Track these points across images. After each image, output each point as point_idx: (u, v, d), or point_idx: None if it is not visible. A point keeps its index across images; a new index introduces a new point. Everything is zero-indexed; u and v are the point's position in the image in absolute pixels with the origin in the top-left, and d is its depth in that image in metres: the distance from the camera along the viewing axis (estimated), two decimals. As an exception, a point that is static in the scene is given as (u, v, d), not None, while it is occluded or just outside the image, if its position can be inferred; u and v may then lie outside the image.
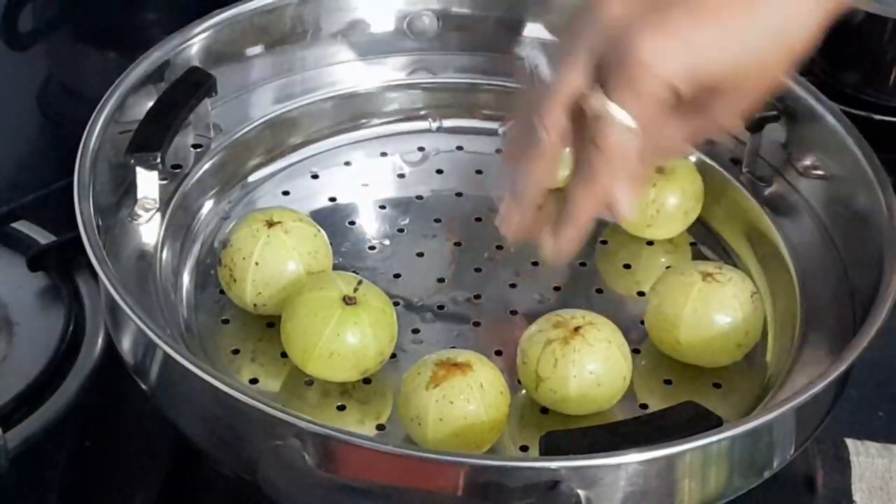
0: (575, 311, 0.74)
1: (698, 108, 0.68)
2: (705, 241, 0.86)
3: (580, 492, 0.63)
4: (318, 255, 0.78)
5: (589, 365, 0.71)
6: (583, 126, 0.66)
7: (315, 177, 0.88)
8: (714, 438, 0.65)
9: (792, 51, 0.67)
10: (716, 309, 0.75)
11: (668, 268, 0.81)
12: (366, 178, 0.89)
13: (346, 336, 0.72)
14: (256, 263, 0.76)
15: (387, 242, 0.85)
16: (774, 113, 0.85)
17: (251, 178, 0.88)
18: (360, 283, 0.74)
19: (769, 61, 0.67)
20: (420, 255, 0.84)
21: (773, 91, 0.70)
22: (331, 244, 0.84)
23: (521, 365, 0.73)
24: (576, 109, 0.66)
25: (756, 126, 0.85)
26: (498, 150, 0.91)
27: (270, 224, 0.77)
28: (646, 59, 0.64)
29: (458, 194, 0.88)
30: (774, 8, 0.66)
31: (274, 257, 0.76)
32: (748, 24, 0.66)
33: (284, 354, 0.75)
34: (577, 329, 0.72)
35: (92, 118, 0.80)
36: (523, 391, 0.76)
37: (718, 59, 0.65)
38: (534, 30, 0.93)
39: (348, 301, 0.73)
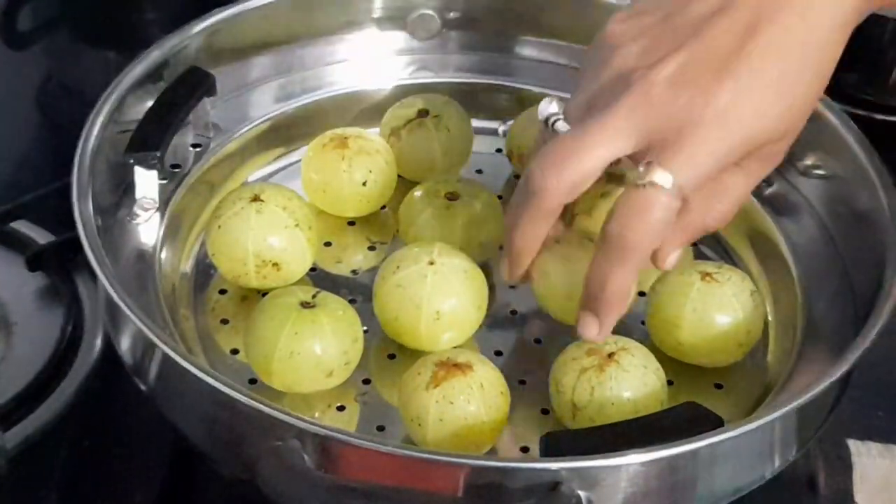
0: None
1: (750, 161, 0.70)
2: (705, 241, 0.86)
3: (581, 493, 0.63)
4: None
5: (626, 392, 0.70)
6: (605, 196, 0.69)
7: (315, 176, 0.88)
8: (715, 439, 0.65)
9: (825, 80, 0.70)
10: (716, 308, 0.75)
11: (668, 268, 0.81)
12: (366, 177, 0.89)
13: (304, 334, 0.72)
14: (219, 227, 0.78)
15: (387, 243, 0.84)
16: (775, 113, 0.85)
17: (251, 178, 0.88)
18: (318, 291, 0.74)
19: (808, 99, 0.69)
20: (420, 255, 0.84)
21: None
22: (331, 244, 0.84)
23: (554, 394, 0.73)
24: (592, 177, 0.68)
25: (757, 126, 0.85)
26: (498, 150, 0.91)
27: (253, 199, 0.78)
28: (705, 144, 0.66)
29: (459, 194, 0.88)
30: (803, 50, 0.68)
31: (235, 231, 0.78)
32: (785, 82, 0.68)
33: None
34: (610, 355, 0.71)
35: (91, 118, 0.80)
36: (522, 390, 0.76)
37: (766, 123, 0.68)
38: (533, 29, 0.93)
39: (305, 305, 0.73)
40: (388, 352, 0.77)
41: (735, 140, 0.67)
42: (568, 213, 0.76)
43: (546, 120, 0.71)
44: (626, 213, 0.67)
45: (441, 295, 0.74)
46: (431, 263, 0.74)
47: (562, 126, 0.70)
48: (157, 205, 0.81)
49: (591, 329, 0.70)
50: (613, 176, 0.78)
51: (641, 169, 0.66)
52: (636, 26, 0.69)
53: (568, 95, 0.89)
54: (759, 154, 0.70)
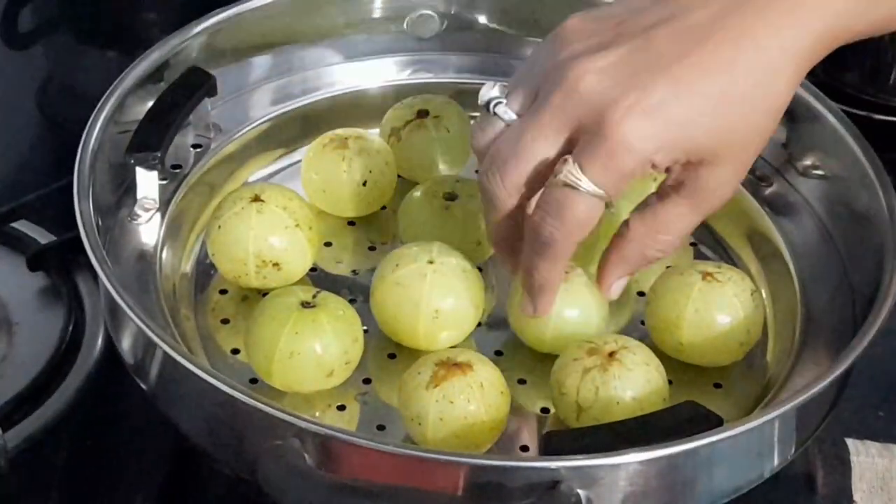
0: (605, 335, 0.74)
1: (694, 189, 0.69)
2: (705, 241, 0.86)
3: (580, 492, 0.63)
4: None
5: (630, 390, 0.70)
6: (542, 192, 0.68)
7: (315, 176, 0.88)
8: (714, 438, 0.65)
9: (775, 112, 0.68)
10: (717, 308, 0.75)
11: (668, 267, 0.81)
12: (366, 177, 0.89)
13: (305, 334, 0.72)
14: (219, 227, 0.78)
15: (387, 243, 0.84)
16: (775, 113, 0.85)
17: (251, 179, 0.88)
18: (319, 291, 0.74)
19: (752, 127, 0.68)
20: (420, 254, 0.84)
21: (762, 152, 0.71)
22: (331, 245, 0.84)
23: (557, 396, 0.72)
24: (538, 176, 0.68)
25: (756, 126, 0.85)
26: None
27: (254, 199, 0.78)
28: (627, 136, 0.65)
29: (459, 194, 0.88)
30: (752, 73, 0.66)
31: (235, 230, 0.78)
32: (727, 91, 0.66)
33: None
34: (612, 354, 0.71)
35: (92, 118, 0.80)
36: (522, 390, 0.76)
37: (700, 131, 0.66)
38: (533, 29, 0.93)
39: (306, 305, 0.73)
40: (388, 351, 0.77)
41: (660, 142, 0.66)
42: None
43: (487, 104, 0.70)
44: (544, 209, 0.68)
45: (440, 294, 0.74)
46: (431, 262, 0.75)
47: (502, 111, 0.70)
48: (157, 205, 0.81)
49: (528, 309, 0.73)
50: None
51: (560, 166, 0.66)
52: (590, 27, 0.69)
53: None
54: (698, 182, 0.68)
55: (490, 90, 0.70)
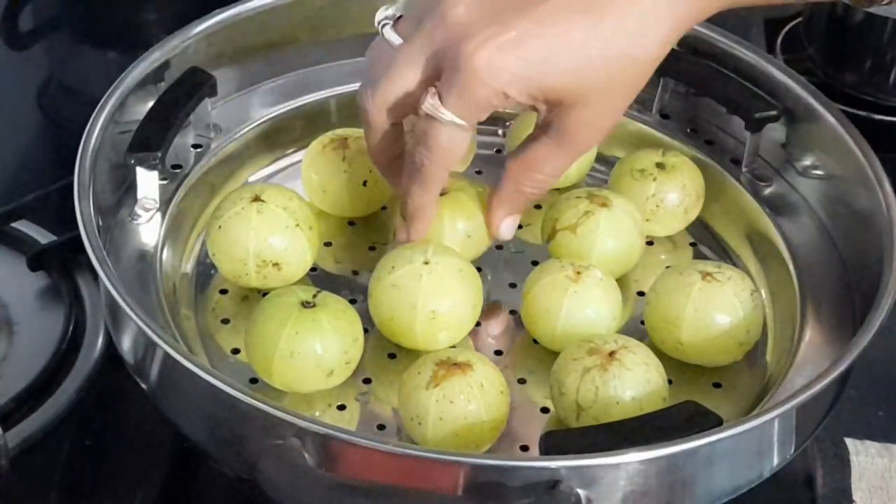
0: (604, 334, 0.74)
1: (558, 130, 0.71)
2: (705, 241, 0.86)
3: (580, 491, 0.63)
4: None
5: (630, 390, 0.70)
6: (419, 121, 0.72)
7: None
8: (714, 438, 0.65)
9: (642, 64, 0.69)
10: (717, 308, 0.75)
11: (667, 267, 0.81)
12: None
13: (305, 333, 0.72)
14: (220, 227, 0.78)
15: (387, 243, 0.84)
16: (774, 113, 0.85)
17: (251, 179, 0.88)
18: (319, 291, 0.74)
19: (616, 74, 0.69)
20: (420, 254, 0.84)
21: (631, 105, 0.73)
22: (331, 245, 0.84)
23: (558, 396, 0.72)
24: (407, 98, 0.71)
25: (756, 126, 0.85)
26: (498, 150, 0.91)
27: (254, 199, 0.78)
28: (479, 67, 0.67)
29: (459, 194, 0.88)
30: (619, 20, 0.68)
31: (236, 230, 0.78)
32: (590, 35, 0.67)
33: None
34: (612, 354, 0.71)
35: (92, 118, 0.80)
36: (522, 389, 0.76)
37: (556, 70, 0.68)
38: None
39: (306, 304, 0.73)
40: (388, 351, 0.77)
41: (511, 76, 0.67)
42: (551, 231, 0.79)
43: (378, 23, 0.73)
44: (415, 138, 0.72)
45: (437, 294, 0.74)
46: (426, 263, 0.75)
47: (388, 32, 0.73)
48: (158, 205, 0.81)
49: (401, 234, 0.77)
50: (596, 196, 0.79)
51: (423, 97, 0.69)
52: None
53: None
54: (562, 124, 0.70)
55: (384, 11, 0.73)
